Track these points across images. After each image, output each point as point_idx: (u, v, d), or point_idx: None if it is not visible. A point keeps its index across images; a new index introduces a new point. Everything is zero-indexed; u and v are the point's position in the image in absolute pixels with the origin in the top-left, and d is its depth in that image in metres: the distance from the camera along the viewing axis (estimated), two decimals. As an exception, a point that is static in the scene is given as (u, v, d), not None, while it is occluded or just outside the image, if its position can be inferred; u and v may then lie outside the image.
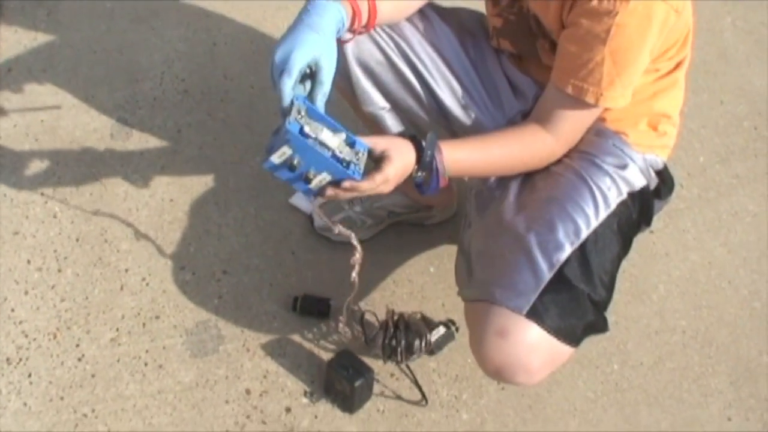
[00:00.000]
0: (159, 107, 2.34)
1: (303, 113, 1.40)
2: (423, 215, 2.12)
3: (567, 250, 1.54)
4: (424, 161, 1.49)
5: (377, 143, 1.47)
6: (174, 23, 2.53)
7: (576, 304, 1.53)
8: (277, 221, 2.13)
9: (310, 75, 1.46)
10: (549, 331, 1.49)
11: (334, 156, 1.40)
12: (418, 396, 1.86)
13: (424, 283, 2.05)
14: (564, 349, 1.53)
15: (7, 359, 1.85)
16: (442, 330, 1.91)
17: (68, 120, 2.28)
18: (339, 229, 1.55)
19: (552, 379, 1.90)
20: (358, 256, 1.59)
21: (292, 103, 1.40)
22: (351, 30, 1.58)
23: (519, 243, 1.54)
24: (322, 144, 1.40)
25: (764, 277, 2.15)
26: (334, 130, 1.43)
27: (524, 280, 1.51)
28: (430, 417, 1.85)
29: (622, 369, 1.96)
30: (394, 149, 1.47)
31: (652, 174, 1.70)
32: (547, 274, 1.51)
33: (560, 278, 1.52)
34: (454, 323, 1.94)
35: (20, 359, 1.86)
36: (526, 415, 1.87)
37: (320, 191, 1.45)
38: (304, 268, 2.05)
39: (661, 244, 2.17)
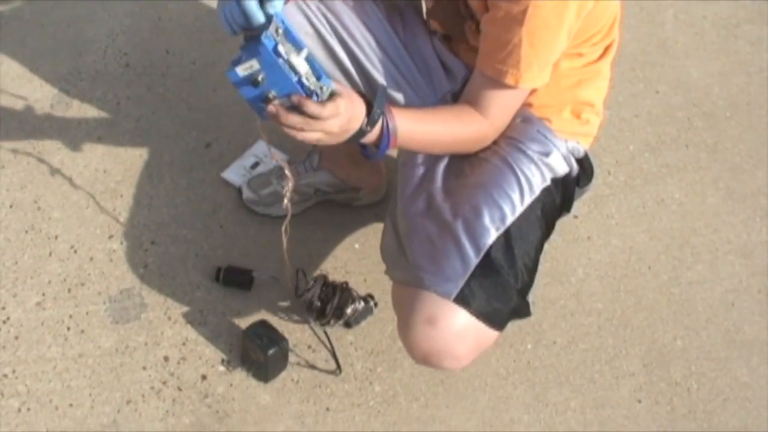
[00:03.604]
0: (100, 80, 2.38)
1: (281, 32, 1.36)
2: (350, 196, 2.15)
3: (492, 235, 1.57)
4: (374, 114, 1.47)
5: (337, 87, 1.44)
6: (122, -3, 2.57)
7: (502, 288, 1.57)
8: (208, 195, 2.17)
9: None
10: (476, 316, 1.53)
11: (300, 81, 1.37)
12: (333, 367, 1.91)
13: (348, 259, 2.10)
14: (490, 333, 1.57)
15: (-68, 320, 1.91)
16: (361, 304, 1.96)
17: (12, 90, 2.32)
18: (275, 154, 1.47)
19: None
20: (290, 185, 1.61)
21: (269, 19, 1.33)
22: None
23: (447, 229, 1.57)
24: (292, 67, 1.36)
25: (685, 264, 2.18)
26: (306, 58, 1.39)
27: (452, 265, 1.54)
28: (344, 388, 1.90)
29: (535, 348, 2.01)
30: (347, 95, 1.44)
31: (573, 161, 1.73)
32: (474, 259, 1.54)
33: (487, 263, 1.55)
34: (373, 298, 1.98)
35: (-55, 320, 1.91)
36: (437, 389, 1.92)
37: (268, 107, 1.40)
38: (230, 241, 2.10)
39: (584, 229, 2.21)
